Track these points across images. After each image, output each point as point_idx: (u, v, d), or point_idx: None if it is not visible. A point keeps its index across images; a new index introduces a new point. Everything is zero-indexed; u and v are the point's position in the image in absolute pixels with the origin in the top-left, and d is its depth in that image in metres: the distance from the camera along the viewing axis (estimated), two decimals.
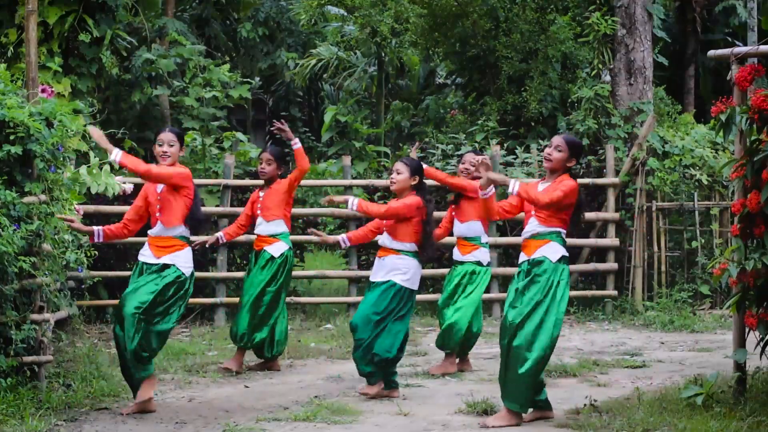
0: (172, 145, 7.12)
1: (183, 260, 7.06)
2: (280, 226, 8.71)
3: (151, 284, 6.94)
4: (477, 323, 8.68)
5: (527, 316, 6.59)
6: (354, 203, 7.63)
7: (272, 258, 8.67)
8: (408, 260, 7.56)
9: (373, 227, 7.96)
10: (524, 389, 6.59)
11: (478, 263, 8.62)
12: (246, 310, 8.66)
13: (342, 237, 8.24)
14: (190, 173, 7.22)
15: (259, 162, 8.91)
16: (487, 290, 11.57)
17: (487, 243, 8.73)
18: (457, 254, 8.74)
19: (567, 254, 6.75)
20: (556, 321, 6.66)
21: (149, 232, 7.22)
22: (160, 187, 7.15)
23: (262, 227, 8.74)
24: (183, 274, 7.02)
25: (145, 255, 7.13)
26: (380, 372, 7.54)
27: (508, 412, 6.67)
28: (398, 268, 7.53)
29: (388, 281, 7.52)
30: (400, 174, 7.59)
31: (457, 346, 8.61)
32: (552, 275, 6.64)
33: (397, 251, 7.57)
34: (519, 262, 6.84)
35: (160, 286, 6.92)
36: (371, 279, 7.70)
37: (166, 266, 7.00)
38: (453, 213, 8.77)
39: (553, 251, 6.67)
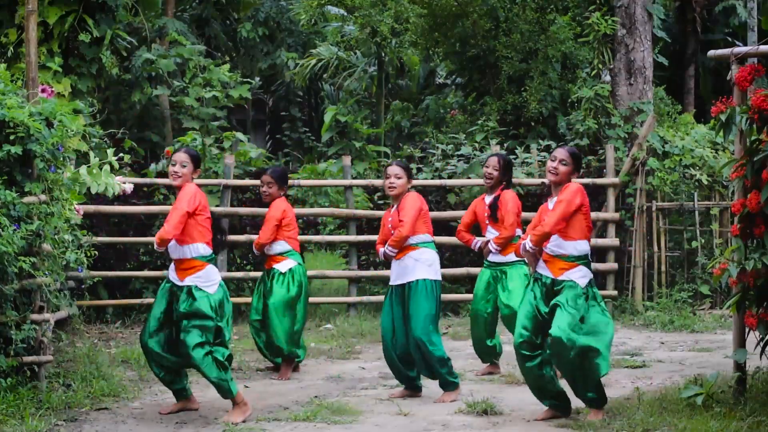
0: (184, 166, 6.98)
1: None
2: (283, 246, 8.67)
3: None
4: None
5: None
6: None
7: (281, 274, 8.65)
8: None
9: None
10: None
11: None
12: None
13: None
14: (195, 188, 7.03)
15: (261, 185, 8.85)
16: None
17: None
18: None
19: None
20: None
21: None
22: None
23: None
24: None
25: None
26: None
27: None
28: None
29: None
30: (400, 179, 7.62)
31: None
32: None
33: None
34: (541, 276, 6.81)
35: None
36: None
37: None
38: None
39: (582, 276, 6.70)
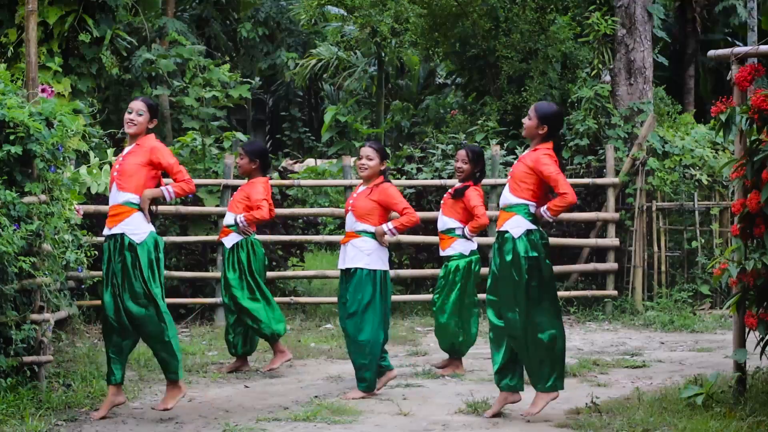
0: (140, 114, 6.94)
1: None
2: (229, 218, 8.72)
3: None
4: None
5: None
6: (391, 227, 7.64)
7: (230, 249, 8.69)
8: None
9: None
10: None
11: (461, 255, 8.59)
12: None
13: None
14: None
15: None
16: None
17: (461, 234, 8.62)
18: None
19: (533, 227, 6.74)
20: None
21: None
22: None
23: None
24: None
25: None
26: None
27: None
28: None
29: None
30: (372, 160, 7.65)
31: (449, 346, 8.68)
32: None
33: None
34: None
35: None
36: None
37: None
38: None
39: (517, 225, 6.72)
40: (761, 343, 6.65)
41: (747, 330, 6.80)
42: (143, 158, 6.90)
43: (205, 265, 11.81)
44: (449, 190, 8.76)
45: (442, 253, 8.65)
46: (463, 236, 8.53)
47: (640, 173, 12.09)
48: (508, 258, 6.67)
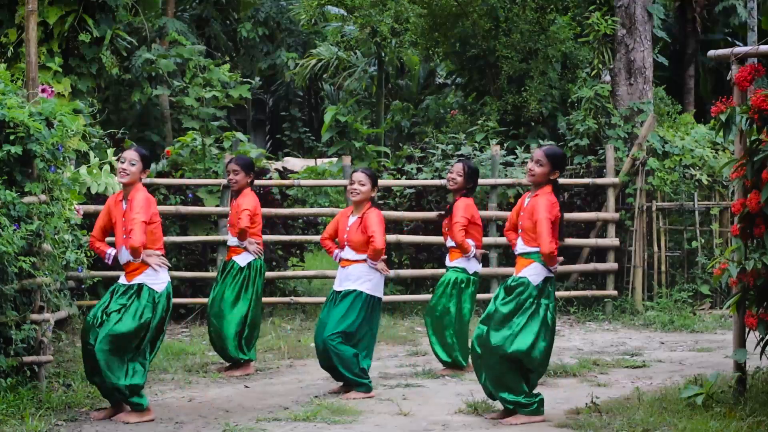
0: (133, 164, 6.88)
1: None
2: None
3: None
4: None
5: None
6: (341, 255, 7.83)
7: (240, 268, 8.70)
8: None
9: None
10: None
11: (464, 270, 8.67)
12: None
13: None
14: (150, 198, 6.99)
15: (227, 173, 8.90)
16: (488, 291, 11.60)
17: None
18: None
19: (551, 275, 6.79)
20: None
21: None
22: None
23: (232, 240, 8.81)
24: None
25: None
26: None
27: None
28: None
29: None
30: (364, 186, 7.75)
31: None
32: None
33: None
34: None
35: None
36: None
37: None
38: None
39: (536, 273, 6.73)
40: (761, 343, 6.65)
41: (747, 330, 6.81)
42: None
43: (205, 265, 11.80)
44: (441, 214, 8.89)
45: (448, 263, 8.70)
46: (474, 256, 8.61)
47: (640, 173, 12.08)
48: (522, 298, 6.69)
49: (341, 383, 7.79)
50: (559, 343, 9.60)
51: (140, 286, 6.83)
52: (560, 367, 8.58)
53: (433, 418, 6.92)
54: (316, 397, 7.63)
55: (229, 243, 8.85)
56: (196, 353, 9.40)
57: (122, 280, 6.92)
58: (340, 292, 7.77)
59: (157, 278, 6.88)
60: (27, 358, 7.12)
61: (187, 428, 6.68)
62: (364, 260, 7.72)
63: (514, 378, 6.67)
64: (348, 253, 7.81)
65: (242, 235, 8.60)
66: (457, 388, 7.97)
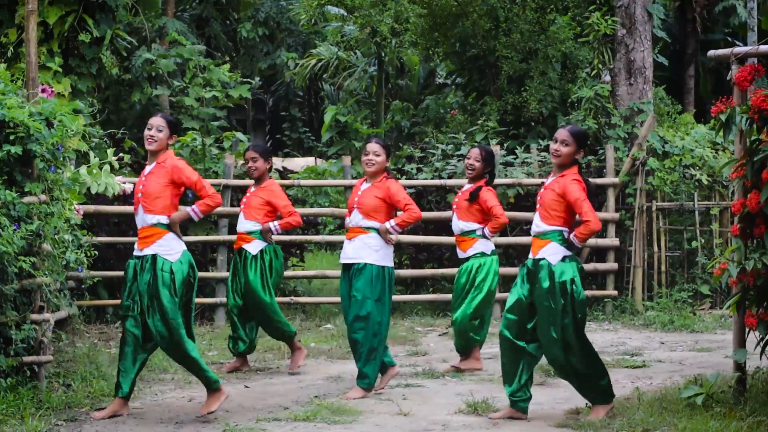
0: (160, 130, 6.89)
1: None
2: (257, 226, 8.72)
3: None
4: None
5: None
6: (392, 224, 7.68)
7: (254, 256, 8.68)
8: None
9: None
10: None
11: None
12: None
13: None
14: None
15: (245, 161, 8.90)
16: None
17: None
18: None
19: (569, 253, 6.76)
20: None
21: None
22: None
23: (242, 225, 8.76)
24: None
25: None
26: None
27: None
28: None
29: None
30: (379, 156, 7.68)
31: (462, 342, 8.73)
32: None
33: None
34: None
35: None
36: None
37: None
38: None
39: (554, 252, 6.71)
40: (761, 343, 6.65)
41: (747, 330, 6.80)
42: (166, 178, 6.86)
43: (205, 265, 11.81)
44: (458, 193, 8.80)
45: (462, 255, 8.67)
46: (483, 236, 8.57)
47: (640, 173, 12.09)
48: (545, 285, 6.65)
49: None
50: None
51: (153, 257, 6.78)
52: None
53: (433, 418, 6.92)
54: (316, 397, 7.63)
55: (240, 229, 8.73)
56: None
57: (136, 251, 6.90)
58: (351, 266, 7.65)
59: (171, 248, 6.81)
60: (27, 358, 7.12)
61: (187, 428, 6.68)
62: (368, 230, 7.60)
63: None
64: (355, 218, 7.69)
65: (270, 233, 8.64)
66: (457, 388, 7.97)
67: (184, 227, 11.70)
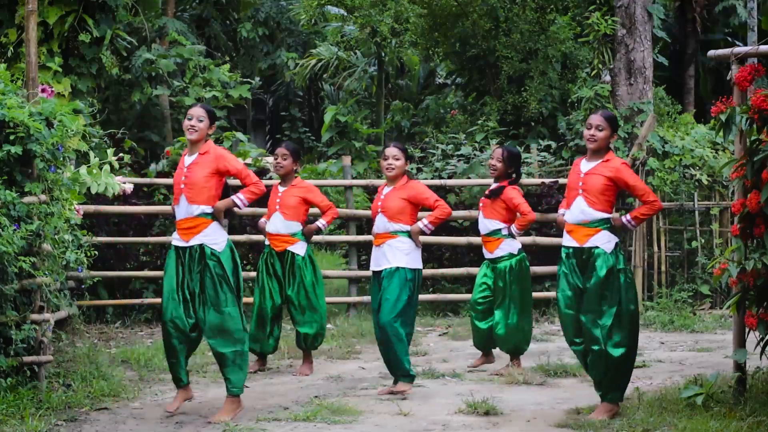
0: (201, 120, 6.89)
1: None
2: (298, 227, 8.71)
3: None
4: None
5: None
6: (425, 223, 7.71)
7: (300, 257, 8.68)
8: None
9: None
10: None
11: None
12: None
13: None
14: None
15: (275, 157, 8.82)
16: None
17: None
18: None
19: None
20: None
21: None
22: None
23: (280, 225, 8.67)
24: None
25: None
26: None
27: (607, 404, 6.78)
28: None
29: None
30: (398, 160, 7.69)
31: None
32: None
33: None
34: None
35: None
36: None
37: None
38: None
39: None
40: (761, 343, 6.65)
41: (747, 330, 6.80)
42: (211, 168, 6.86)
43: None
44: (485, 192, 8.81)
45: (490, 256, 8.63)
46: (510, 235, 8.57)
47: (640, 173, 12.08)
48: (602, 273, 6.66)
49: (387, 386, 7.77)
50: (560, 343, 9.60)
51: (201, 247, 6.78)
52: (560, 367, 8.57)
53: (433, 418, 6.91)
54: (316, 397, 7.63)
55: (278, 230, 8.63)
56: (196, 353, 9.37)
57: (178, 242, 6.87)
58: (381, 272, 7.65)
59: (216, 238, 6.83)
60: (27, 358, 7.11)
61: (187, 428, 6.68)
62: (396, 233, 7.61)
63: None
64: (381, 223, 7.66)
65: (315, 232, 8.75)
66: (457, 388, 7.96)
67: None
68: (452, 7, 15.06)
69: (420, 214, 7.87)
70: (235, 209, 7.03)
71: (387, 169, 7.70)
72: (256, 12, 24.16)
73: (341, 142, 18.85)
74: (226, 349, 6.85)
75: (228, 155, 6.95)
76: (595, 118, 6.79)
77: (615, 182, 6.71)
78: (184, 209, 6.85)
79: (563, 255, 6.85)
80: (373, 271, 7.76)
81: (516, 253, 8.59)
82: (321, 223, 8.70)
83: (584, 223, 6.75)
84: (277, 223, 8.64)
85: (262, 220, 8.84)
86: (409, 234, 7.64)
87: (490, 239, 8.60)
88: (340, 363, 9.21)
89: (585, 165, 6.83)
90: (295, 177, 8.80)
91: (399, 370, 7.66)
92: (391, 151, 7.72)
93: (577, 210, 6.79)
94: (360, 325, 10.89)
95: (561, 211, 7.16)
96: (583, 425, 6.52)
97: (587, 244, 6.71)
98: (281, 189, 8.72)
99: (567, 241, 6.84)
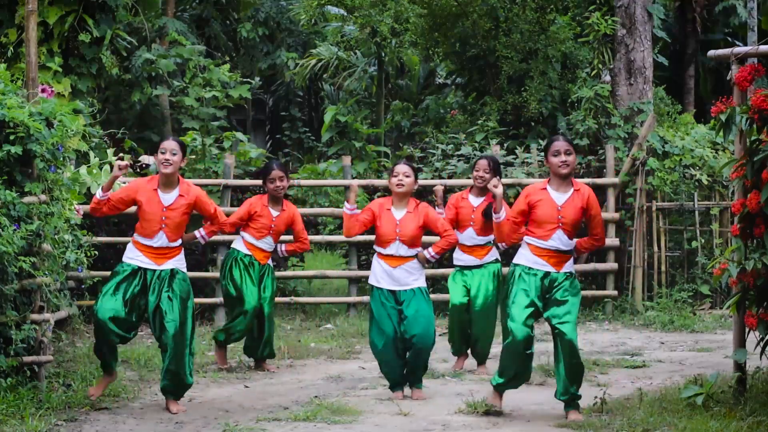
0: (174, 153, 7.16)
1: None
2: None
3: None
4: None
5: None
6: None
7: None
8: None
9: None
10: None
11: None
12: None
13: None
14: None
15: (271, 181, 8.72)
16: None
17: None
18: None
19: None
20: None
21: None
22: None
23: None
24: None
25: None
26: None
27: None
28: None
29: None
30: (409, 177, 7.70)
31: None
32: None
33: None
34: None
35: None
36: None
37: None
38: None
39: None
40: (761, 343, 6.65)
41: (747, 330, 6.80)
42: (189, 210, 7.33)
43: (205, 265, 11.81)
44: (462, 204, 8.79)
45: (477, 262, 8.67)
46: (495, 245, 8.67)
47: (640, 173, 12.08)
48: (573, 291, 6.83)
49: (398, 390, 7.73)
50: None
51: (173, 271, 7.21)
52: None
53: (433, 418, 6.92)
54: (316, 397, 7.63)
55: (266, 247, 8.86)
56: (196, 353, 9.38)
57: (146, 264, 7.19)
58: (399, 292, 7.62)
59: (184, 261, 7.36)
60: (27, 358, 7.12)
61: (187, 428, 6.68)
62: (414, 257, 7.68)
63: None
64: (398, 249, 7.65)
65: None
66: (457, 388, 7.97)
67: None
68: (452, 7, 15.05)
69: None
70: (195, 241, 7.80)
71: (397, 185, 7.69)
72: (256, 12, 24.13)
73: (341, 142, 18.84)
74: (176, 357, 7.15)
75: (205, 198, 7.49)
76: (562, 144, 6.83)
77: (585, 211, 6.87)
78: (161, 241, 7.23)
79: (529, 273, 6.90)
80: (386, 290, 7.66)
81: (499, 258, 8.77)
82: (280, 248, 8.99)
83: (561, 251, 6.85)
84: (266, 239, 8.89)
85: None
86: (417, 254, 7.74)
87: (483, 248, 8.67)
88: (340, 363, 9.21)
89: (557, 196, 6.85)
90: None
91: (421, 377, 7.73)
92: (402, 168, 7.72)
93: (553, 240, 6.82)
94: (360, 325, 10.89)
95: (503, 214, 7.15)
96: (583, 425, 6.52)
97: (563, 270, 6.85)
98: (275, 214, 8.81)
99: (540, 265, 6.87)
